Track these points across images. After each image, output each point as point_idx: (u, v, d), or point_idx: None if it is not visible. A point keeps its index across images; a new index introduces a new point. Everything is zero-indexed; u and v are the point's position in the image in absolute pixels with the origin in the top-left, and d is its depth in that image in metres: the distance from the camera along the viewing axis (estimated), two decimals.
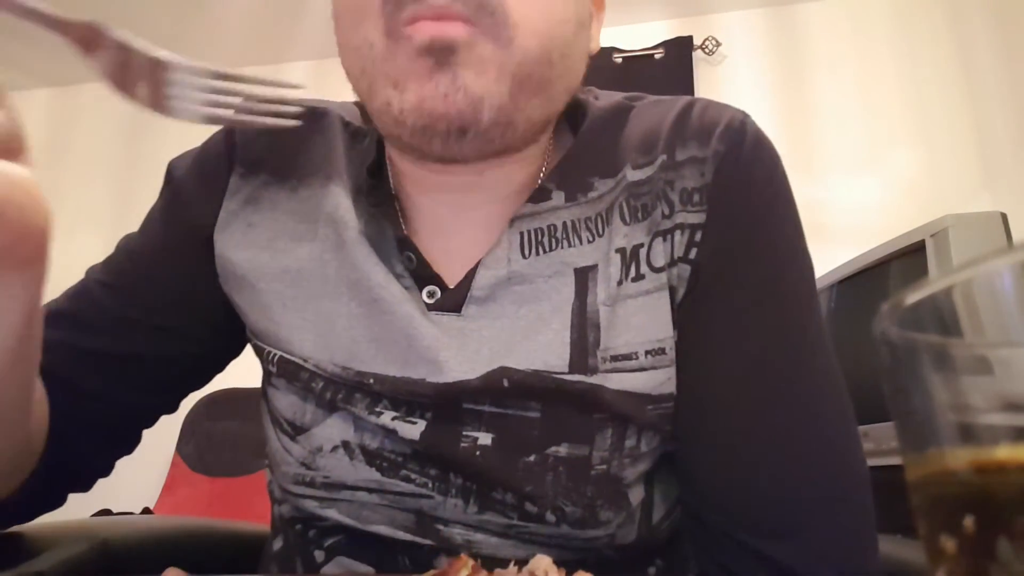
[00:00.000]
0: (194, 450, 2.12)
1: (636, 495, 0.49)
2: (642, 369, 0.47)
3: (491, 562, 0.48)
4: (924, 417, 0.16)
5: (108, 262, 0.57)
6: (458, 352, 0.48)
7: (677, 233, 0.48)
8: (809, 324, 0.48)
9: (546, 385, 0.47)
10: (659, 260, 0.48)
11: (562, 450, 0.47)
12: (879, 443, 1.29)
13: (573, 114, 0.54)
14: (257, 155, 0.55)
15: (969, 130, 2.07)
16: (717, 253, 0.47)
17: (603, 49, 2.64)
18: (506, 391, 0.47)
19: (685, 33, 2.33)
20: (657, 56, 2.30)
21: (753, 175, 0.48)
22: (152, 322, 0.54)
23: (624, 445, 0.48)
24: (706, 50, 2.31)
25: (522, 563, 0.37)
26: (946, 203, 1.77)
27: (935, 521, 0.16)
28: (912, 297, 0.17)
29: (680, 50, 2.30)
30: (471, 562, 0.35)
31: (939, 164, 2.07)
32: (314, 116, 0.56)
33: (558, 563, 0.36)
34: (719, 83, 2.31)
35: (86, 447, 0.54)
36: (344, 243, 0.51)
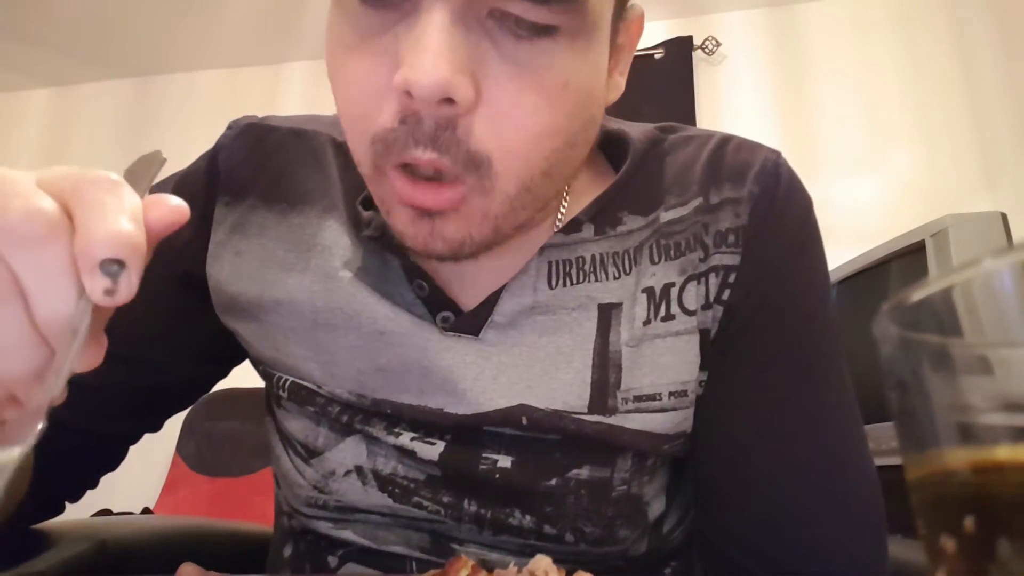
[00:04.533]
0: (194, 450, 2.12)
1: (655, 510, 0.50)
2: (663, 410, 0.47)
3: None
4: (924, 417, 0.16)
5: None
6: (475, 380, 0.47)
7: (712, 276, 0.48)
8: (835, 365, 0.49)
9: (565, 425, 0.46)
10: (691, 303, 0.48)
11: (584, 473, 0.47)
12: (879, 443, 1.28)
13: (610, 144, 0.53)
14: (243, 181, 0.53)
15: (969, 130, 2.07)
16: (750, 295, 0.48)
17: None
18: (524, 427, 0.47)
19: (685, 33, 2.32)
20: (657, 56, 2.30)
21: (787, 216, 0.49)
22: (127, 355, 0.51)
23: (645, 465, 0.48)
24: (706, 50, 2.31)
25: (522, 563, 0.37)
26: (946, 203, 1.76)
27: (935, 521, 0.16)
28: (912, 297, 0.17)
29: (680, 50, 2.29)
30: (471, 562, 0.35)
31: (939, 164, 2.07)
32: (303, 139, 0.54)
33: (558, 563, 0.36)
34: (719, 83, 2.30)
35: (69, 472, 0.53)
36: (337, 280, 0.49)
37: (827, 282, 0.51)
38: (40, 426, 0.27)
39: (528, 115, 0.38)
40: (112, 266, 0.28)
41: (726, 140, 0.52)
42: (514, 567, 0.36)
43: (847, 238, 1.87)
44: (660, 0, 2.34)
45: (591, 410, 0.47)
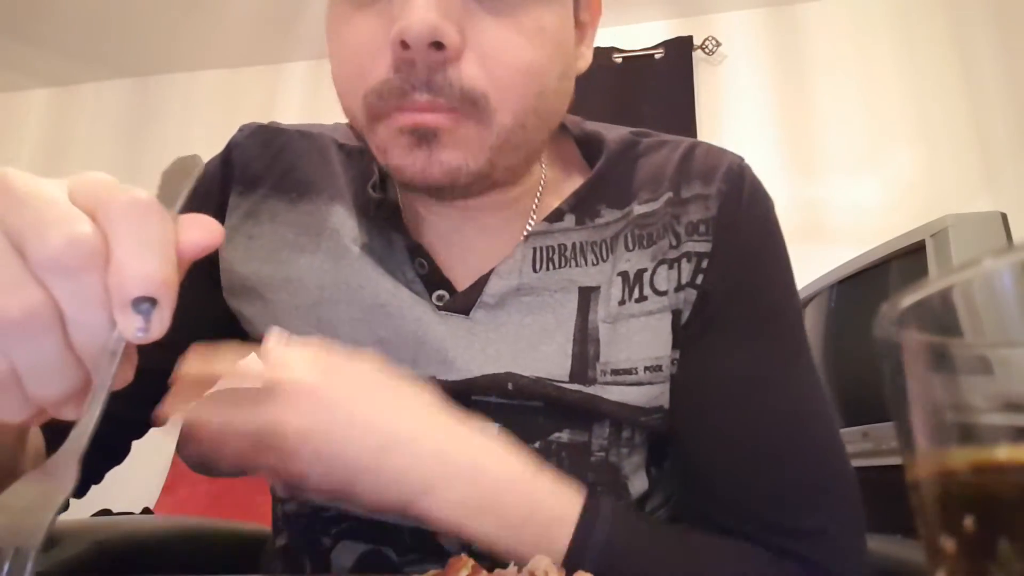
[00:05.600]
0: None
1: (636, 487, 0.53)
2: (639, 384, 0.51)
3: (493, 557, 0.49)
4: (924, 417, 0.16)
5: None
6: (465, 351, 0.51)
7: (684, 261, 0.52)
8: (799, 344, 0.54)
9: (547, 392, 0.50)
10: (663, 285, 0.52)
11: (564, 436, 0.51)
12: (879, 443, 1.29)
13: (587, 143, 0.58)
14: (256, 172, 0.58)
15: (969, 130, 2.07)
16: (722, 279, 0.52)
17: (603, 49, 2.62)
18: (510, 393, 0.50)
19: (685, 33, 2.32)
20: (657, 56, 2.30)
21: (753, 212, 0.54)
22: None
23: (621, 436, 0.52)
24: (706, 50, 2.31)
25: (522, 563, 0.37)
26: (946, 203, 1.76)
27: (935, 521, 0.16)
28: (912, 297, 0.17)
29: (680, 50, 2.29)
30: (471, 562, 0.36)
31: (939, 164, 2.07)
32: (309, 139, 0.60)
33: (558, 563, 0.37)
34: (719, 83, 2.30)
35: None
36: (346, 258, 0.54)
37: (791, 274, 0.56)
38: (77, 471, 0.29)
39: (512, 53, 0.44)
40: (144, 304, 0.28)
41: (696, 145, 0.57)
42: (514, 567, 0.36)
43: (847, 238, 1.87)
44: (660, 0, 2.34)
45: (572, 379, 0.51)
